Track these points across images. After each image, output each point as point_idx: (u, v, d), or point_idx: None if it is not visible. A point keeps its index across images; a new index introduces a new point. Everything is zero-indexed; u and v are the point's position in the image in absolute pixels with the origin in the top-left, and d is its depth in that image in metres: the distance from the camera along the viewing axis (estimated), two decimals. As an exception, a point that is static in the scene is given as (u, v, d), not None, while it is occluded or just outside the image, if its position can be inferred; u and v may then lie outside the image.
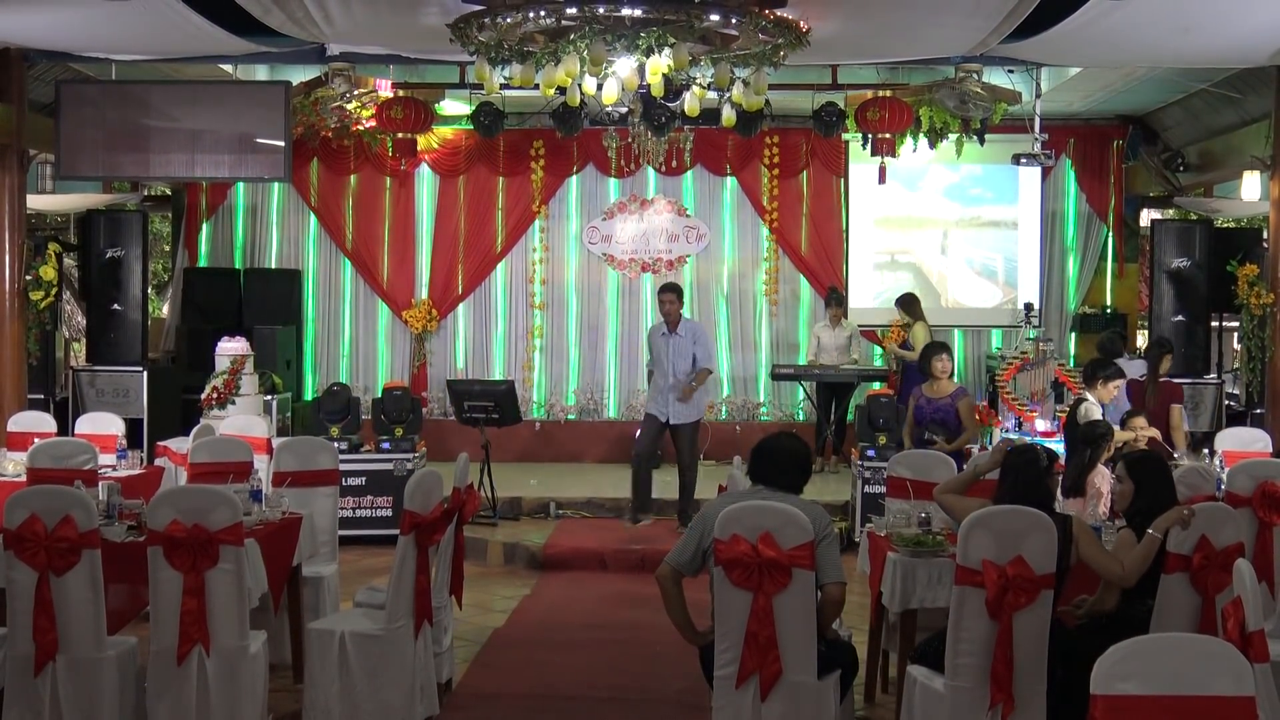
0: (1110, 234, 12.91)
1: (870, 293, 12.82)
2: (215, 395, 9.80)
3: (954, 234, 12.85)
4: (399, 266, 12.94)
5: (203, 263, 13.03)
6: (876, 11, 8.48)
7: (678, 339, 9.28)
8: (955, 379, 8.92)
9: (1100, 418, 7.44)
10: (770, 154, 12.69)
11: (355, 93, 10.50)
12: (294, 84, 10.39)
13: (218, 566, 4.91)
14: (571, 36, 7.39)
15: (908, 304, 11.85)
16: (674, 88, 8.12)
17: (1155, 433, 7.72)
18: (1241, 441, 8.00)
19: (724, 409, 12.76)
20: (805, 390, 12.04)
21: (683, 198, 12.92)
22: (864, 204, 12.73)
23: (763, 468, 4.84)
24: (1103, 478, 6.28)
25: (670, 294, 9.46)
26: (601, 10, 7.27)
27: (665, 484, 10.25)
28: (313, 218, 13.02)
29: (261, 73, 11.20)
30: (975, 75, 10.04)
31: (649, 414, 9.44)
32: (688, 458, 9.37)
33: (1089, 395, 7.64)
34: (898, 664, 5.50)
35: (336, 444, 8.43)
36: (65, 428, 9.51)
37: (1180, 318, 11.07)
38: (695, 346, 9.31)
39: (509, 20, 7.46)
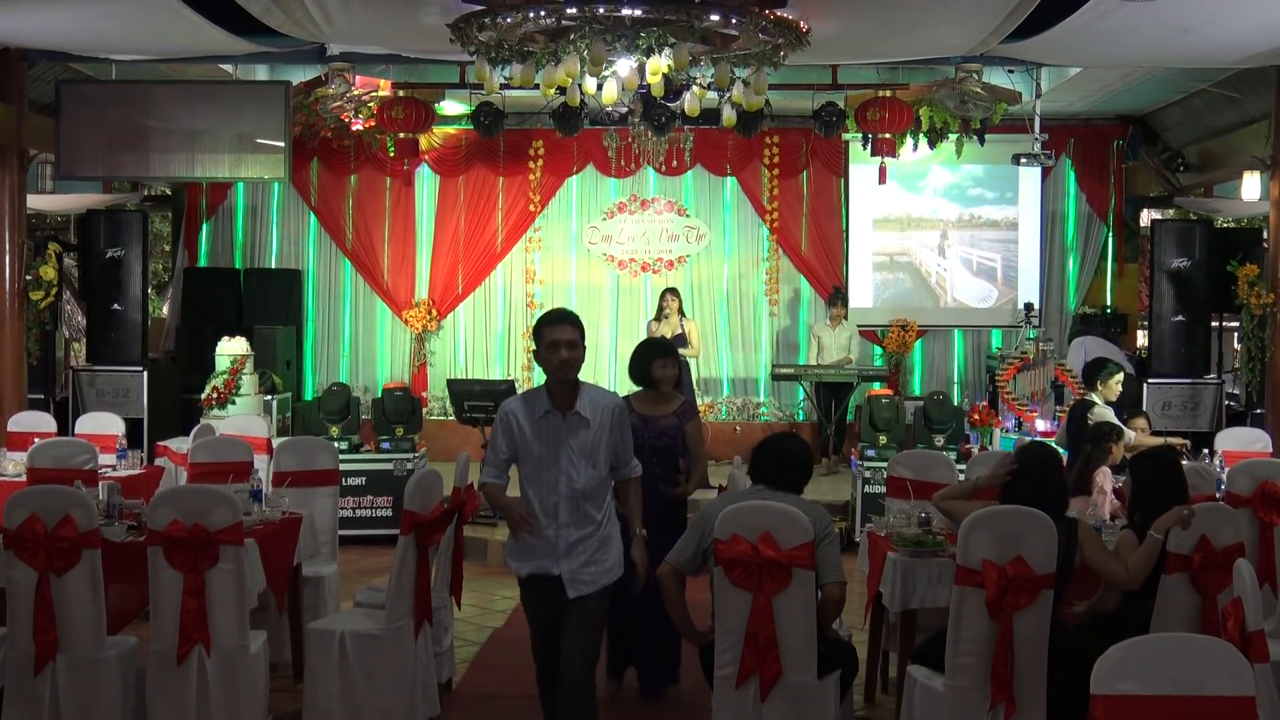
0: (1110, 234, 12.90)
1: (870, 293, 12.82)
2: (215, 395, 9.82)
3: (954, 234, 12.84)
4: (399, 266, 12.94)
5: (203, 263, 13.04)
6: (876, 11, 8.47)
7: (578, 423, 4.55)
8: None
9: (1112, 419, 7.43)
10: (770, 154, 12.69)
11: (353, 92, 10.50)
12: (294, 84, 10.40)
13: (218, 566, 4.92)
14: (571, 36, 7.41)
15: (678, 294, 11.31)
16: (674, 88, 8.13)
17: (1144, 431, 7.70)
18: (1241, 441, 7.99)
19: (724, 409, 12.76)
20: (805, 390, 12.05)
21: (683, 198, 12.92)
22: (864, 204, 12.72)
23: (763, 467, 4.83)
24: (1105, 476, 6.28)
25: (572, 329, 4.57)
26: (601, 10, 7.28)
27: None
28: (313, 218, 13.03)
29: (261, 73, 11.20)
30: (975, 75, 10.03)
31: (529, 578, 4.64)
32: (588, 660, 4.58)
33: (1095, 398, 7.60)
34: (898, 664, 5.50)
35: (336, 444, 8.44)
36: (65, 428, 9.50)
37: (1180, 318, 11.05)
38: (613, 435, 4.60)
39: (509, 20, 7.47)
